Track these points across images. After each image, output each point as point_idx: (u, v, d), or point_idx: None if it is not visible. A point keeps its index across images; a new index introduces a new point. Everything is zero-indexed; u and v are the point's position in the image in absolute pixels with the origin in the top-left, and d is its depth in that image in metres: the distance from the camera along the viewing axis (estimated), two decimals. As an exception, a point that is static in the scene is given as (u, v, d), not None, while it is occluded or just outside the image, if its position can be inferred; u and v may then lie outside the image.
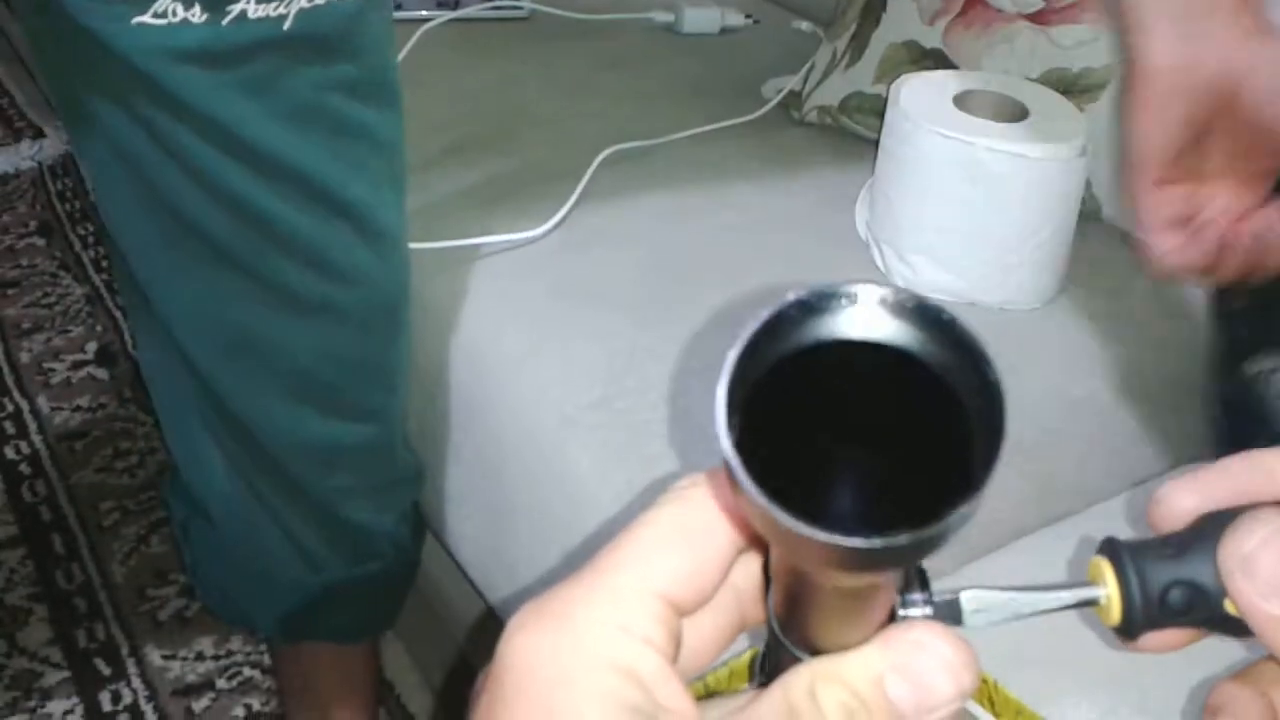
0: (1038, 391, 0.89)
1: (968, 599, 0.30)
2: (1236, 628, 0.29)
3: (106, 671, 1.30)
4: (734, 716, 0.26)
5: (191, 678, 1.29)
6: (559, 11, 1.40)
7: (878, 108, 1.12)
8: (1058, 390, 0.89)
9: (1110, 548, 0.29)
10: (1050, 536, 0.78)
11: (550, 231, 1.03)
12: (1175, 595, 0.28)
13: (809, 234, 1.04)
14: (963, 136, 0.90)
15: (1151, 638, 0.29)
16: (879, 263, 0.99)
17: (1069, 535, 0.77)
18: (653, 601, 0.26)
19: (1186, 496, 0.30)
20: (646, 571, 0.27)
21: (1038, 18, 1.02)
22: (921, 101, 0.94)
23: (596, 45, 1.40)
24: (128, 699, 1.27)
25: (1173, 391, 0.92)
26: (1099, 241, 1.04)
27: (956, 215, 0.92)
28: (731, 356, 0.23)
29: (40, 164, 2.30)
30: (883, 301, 0.23)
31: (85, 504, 1.50)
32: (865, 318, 0.23)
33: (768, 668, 0.30)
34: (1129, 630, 0.29)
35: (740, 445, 0.22)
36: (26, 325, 1.84)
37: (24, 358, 1.77)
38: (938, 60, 1.09)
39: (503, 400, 0.93)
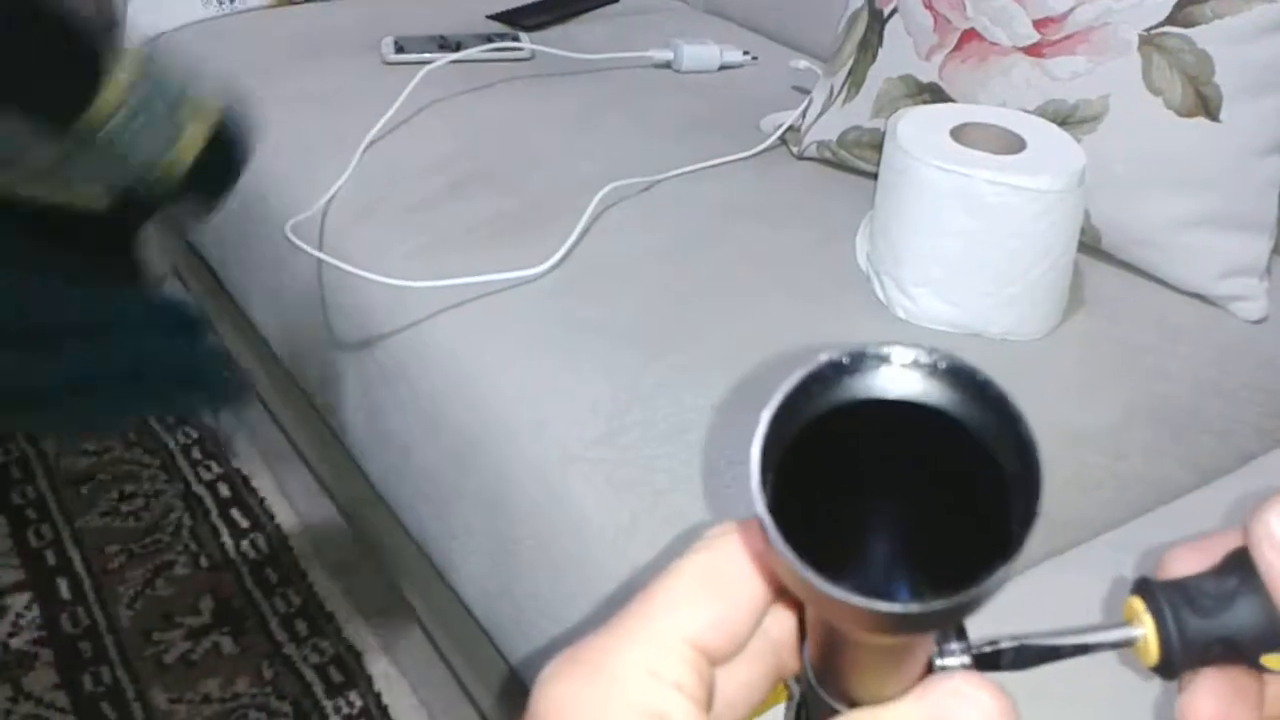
0: (1039, 422, 0.88)
1: (1006, 646, 0.29)
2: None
3: (113, 716, 1.29)
4: None
5: (197, 721, 1.28)
6: (559, 52, 1.41)
7: (876, 141, 1.13)
8: (1060, 421, 0.89)
9: (1143, 587, 0.29)
10: (1054, 569, 0.78)
11: (551, 268, 1.03)
12: (1215, 637, 0.28)
13: (810, 268, 1.05)
14: (961, 169, 0.90)
15: (1216, 706, 0.29)
16: (880, 295, 0.99)
17: (1073, 568, 0.77)
18: (684, 649, 0.26)
19: (1190, 561, 0.30)
20: (678, 619, 0.27)
21: (1033, 50, 1.02)
22: (919, 135, 0.94)
23: (596, 84, 1.41)
24: (133, 743, 1.26)
25: (1175, 421, 0.92)
26: (1099, 271, 1.05)
27: (956, 247, 0.93)
28: (765, 416, 0.23)
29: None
30: (916, 362, 0.24)
31: (91, 548, 1.50)
32: (898, 377, 0.24)
33: (800, 715, 0.30)
34: (1169, 669, 0.29)
35: (774, 506, 0.22)
36: (32, 369, 1.84)
37: (29, 402, 1.77)
38: (934, 94, 1.10)
39: (505, 437, 0.93)
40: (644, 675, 0.26)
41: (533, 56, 1.45)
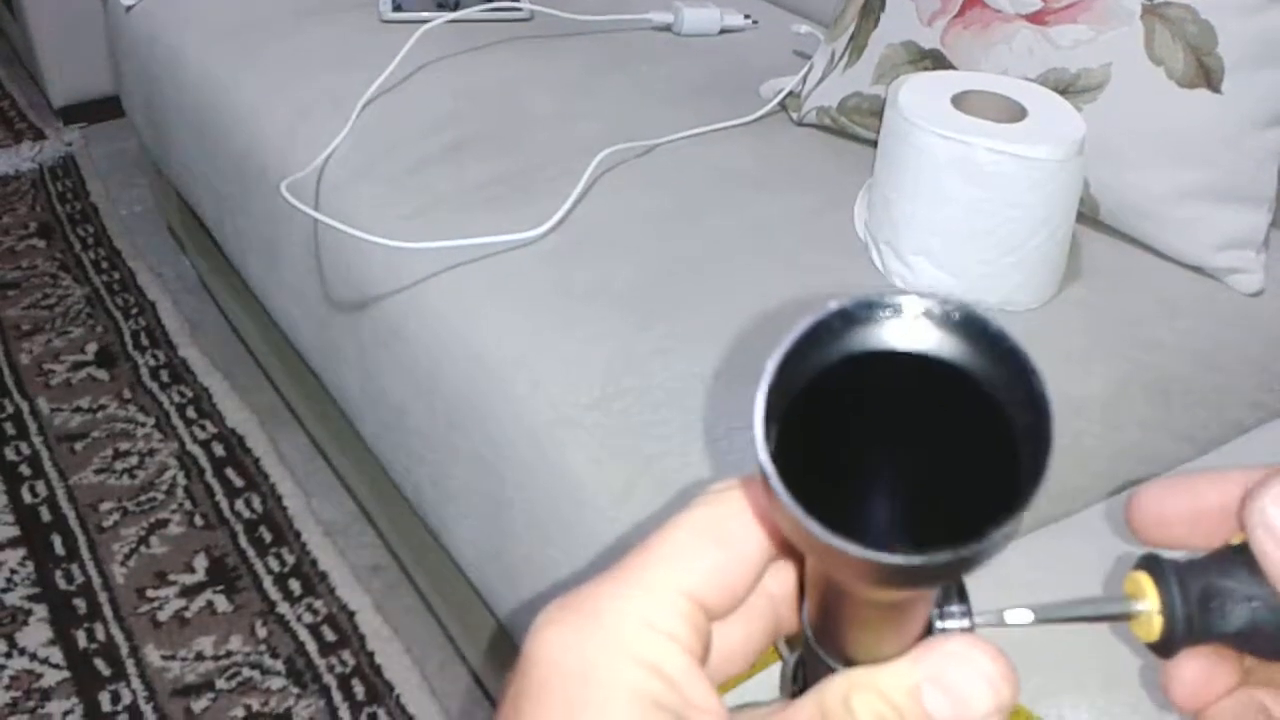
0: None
1: (1009, 616, 0.29)
2: (1274, 639, 0.28)
3: (106, 672, 1.30)
4: None
5: (191, 678, 1.29)
6: (558, 13, 1.40)
7: (876, 108, 1.12)
8: (1056, 390, 0.89)
9: (1151, 562, 0.29)
10: (1047, 537, 0.78)
11: (549, 231, 1.03)
12: (1214, 601, 0.28)
13: (808, 234, 1.04)
14: (961, 137, 0.90)
15: (1197, 675, 0.29)
16: (878, 263, 0.99)
17: (1067, 535, 0.77)
18: (681, 600, 0.26)
19: (1174, 499, 0.30)
20: (676, 570, 0.26)
21: (1036, 18, 1.02)
22: (920, 102, 0.94)
23: (596, 46, 1.40)
24: (127, 699, 1.27)
25: (1170, 392, 0.92)
26: (1097, 242, 1.05)
27: (955, 215, 0.92)
28: (771, 365, 0.23)
29: (41, 165, 2.30)
30: (928, 313, 0.23)
31: (85, 505, 1.51)
32: (909, 328, 0.23)
33: (802, 678, 0.30)
34: (1169, 646, 0.29)
35: (777, 456, 0.22)
36: (26, 326, 1.84)
37: (24, 359, 1.77)
38: (936, 61, 1.09)
39: (500, 399, 0.93)
40: (639, 625, 0.26)
41: (531, 17, 1.44)
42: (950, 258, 0.94)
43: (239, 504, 1.51)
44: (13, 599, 1.38)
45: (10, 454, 1.59)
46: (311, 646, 1.32)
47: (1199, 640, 0.29)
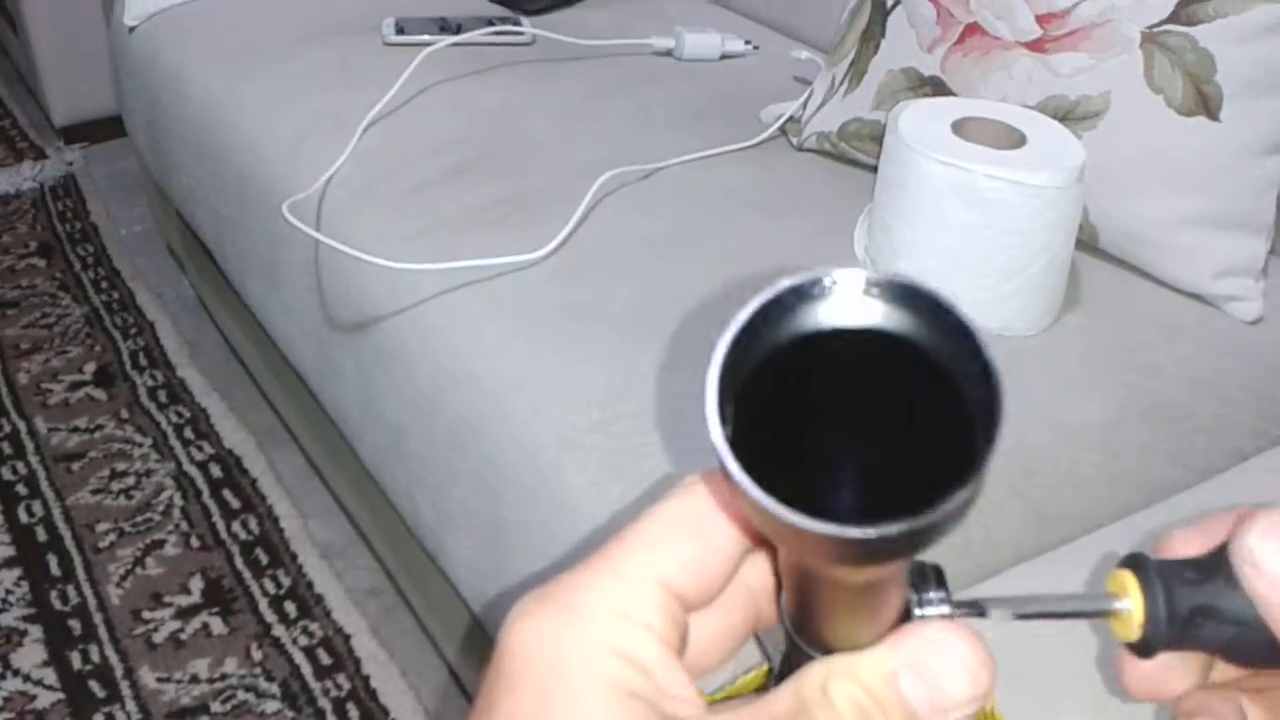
0: (1035, 417, 0.89)
1: (989, 607, 0.29)
2: (1256, 652, 0.28)
3: (101, 694, 1.29)
4: (745, 709, 0.26)
5: (186, 700, 1.28)
6: (561, 37, 1.41)
7: (876, 134, 1.13)
8: (1055, 416, 0.89)
9: (1136, 562, 0.29)
10: (1046, 564, 0.78)
11: (550, 254, 1.03)
12: (1200, 618, 0.28)
13: (808, 259, 1.05)
14: (961, 163, 0.90)
15: (1158, 668, 0.29)
16: (877, 288, 0.99)
17: (1065, 562, 0.77)
18: (656, 590, 0.26)
19: (1191, 543, 0.30)
20: (651, 561, 0.26)
21: (1035, 45, 1.02)
22: (920, 128, 0.94)
23: (597, 70, 1.41)
24: (121, 721, 1.26)
25: (1169, 419, 0.92)
26: (1096, 269, 1.05)
27: (955, 241, 0.93)
28: (721, 345, 0.23)
29: (41, 184, 2.30)
30: (875, 285, 0.23)
31: (81, 525, 1.50)
32: (858, 304, 0.23)
33: (783, 671, 0.30)
34: (1148, 648, 0.29)
35: (734, 440, 0.22)
36: (25, 345, 1.84)
37: (22, 378, 1.77)
38: (936, 87, 1.09)
39: (500, 421, 0.93)
40: (614, 615, 0.25)
41: (534, 41, 1.45)
42: (949, 283, 0.94)
43: (235, 525, 1.50)
44: (7, 619, 1.38)
45: (7, 473, 1.58)
46: (307, 669, 1.32)
47: (1178, 648, 0.29)
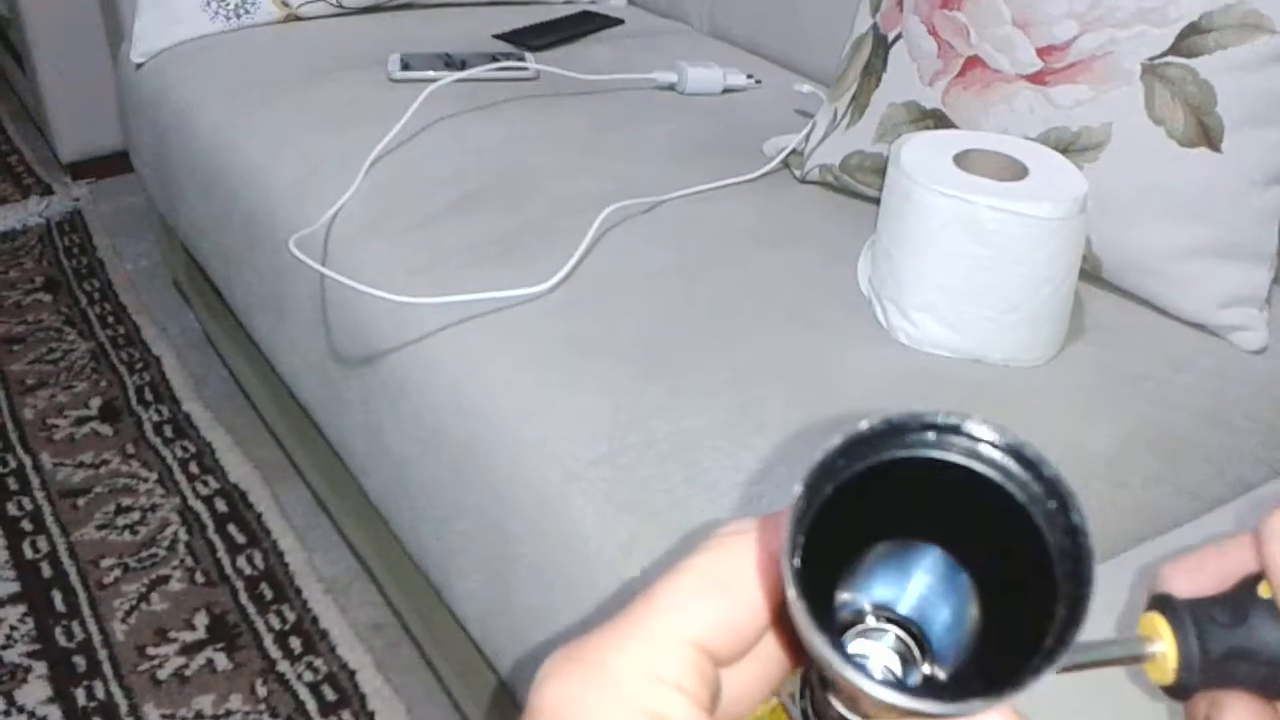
0: (1040, 448, 0.89)
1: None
2: None
3: (104, 730, 1.28)
4: None
5: (190, 736, 1.28)
6: (565, 72, 1.42)
7: (879, 166, 1.13)
8: (1060, 447, 0.89)
9: (1165, 604, 0.29)
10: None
11: (554, 287, 1.03)
12: (1234, 660, 0.28)
13: (811, 290, 1.05)
14: (963, 195, 0.90)
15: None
16: (881, 319, 0.99)
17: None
18: (688, 650, 0.26)
19: (1184, 579, 0.30)
20: (682, 619, 0.26)
21: (1036, 78, 1.03)
22: (922, 160, 0.95)
23: (601, 105, 1.42)
24: (125, 758, 1.26)
25: (1174, 449, 0.92)
26: (1100, 299, 1.05)
27: (958, 272, 0.93)
28: (798, 489, 0.23)
29: (48, 220, 2.32)
30: (995, 446, 0.24)
31: (86, 561, 1.50)
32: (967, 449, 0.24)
33: (805, 703, 0.30)
34: (1184, 690, 0.29)
35: (802, 577, 0.22)
36: (31, 381, 1.84)
37: (28, 413, 1.77)
38: (937, 120, 1.10)
39: (506, 454, 0.93)
40: (645, 676, 0.25)
41: (538, 76, 1.46)
42: (953, 314, 0.94)
43: (240, 560, 1.50)
44: (12, 656, 1.37)
45: (12, 509, 1.58)
46: (312, 705, 1.31)
47: (1213, 688, 0.29)
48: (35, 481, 1.63)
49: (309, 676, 1.34)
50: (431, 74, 1.41)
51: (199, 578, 1.47)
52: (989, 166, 0.94)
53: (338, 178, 1.23)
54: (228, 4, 1.61)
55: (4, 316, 2.00)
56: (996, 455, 0.24)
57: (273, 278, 1.29)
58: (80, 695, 1.32)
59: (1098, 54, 0.99)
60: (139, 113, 1.66)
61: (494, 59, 1.46)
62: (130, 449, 1.69)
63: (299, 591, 1.45)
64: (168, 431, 1.73)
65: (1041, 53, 1.02)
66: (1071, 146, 1.01)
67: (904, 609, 0.26)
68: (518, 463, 0.92)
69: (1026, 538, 0.23)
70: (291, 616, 1.42)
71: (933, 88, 1.10)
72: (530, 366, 0.98)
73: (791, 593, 0.22)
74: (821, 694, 0.28)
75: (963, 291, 0.94)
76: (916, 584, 0.26)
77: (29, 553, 1.51)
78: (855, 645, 0.27)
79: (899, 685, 0.21)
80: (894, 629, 0.27)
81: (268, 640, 1.39)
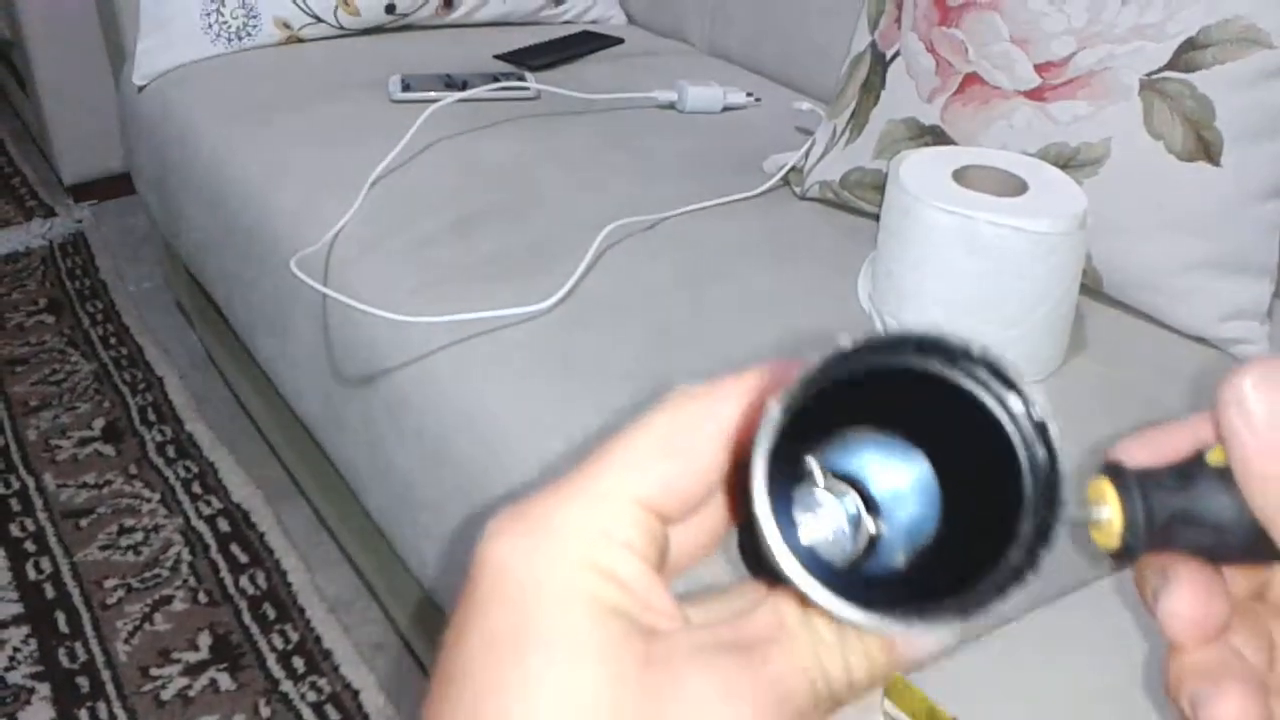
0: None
1: None
2: (1235, 552, 0.28)
3: (107, 752, 1.28)
4: (724, 628, 0.26)
5: (193, 758, 1.27)
6: (565, 92, 1.42)
7: (878, 183, 1.14)
8: (1062, 461, 0.89)
9: (1114, 470, 0.29)
10: (1062, 610, 0.78)
11: (555, 305, 1.04)
12: (1179, 524, 0.28)
13: (812, 306, 1.05)
14: (963, 210, 0.91)
15: (1179, 602, 0.29)
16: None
17: (1079, 608, 0.77)
18: (636, 509, 0.26)
19: (1137, 451, 0.29)
20: (632, 479, 0.26)
21: (1035, 94, 1.03)
22: (921, 176, 0.95)
23: (602, 124, 1.42)
24: (128, 780, 1.25)
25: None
26: (1101, 314, 1.05)
27: (958, 288, 0.93)
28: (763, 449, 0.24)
29: (51, 242, 2.32)
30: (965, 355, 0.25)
31: (89, 581, 1.50)
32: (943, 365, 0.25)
33: (744, 541, 0.30)
34: (1128, 554, 0.29)
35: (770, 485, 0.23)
36: (34, 402, 1.84)
37: (31, 434, 1.77)
38: (936, 137, 1.10)
39: (507, 473, 0.93)
40: (593, 533, 0.25)
41: (538, 96, 1.47)
42: (954, 329, 0.94)
43: (243, 580, 1.50)
44: (15, 677, 1.37)
45: (15, 530, 1.58)
46: (315, 725, 1.31)
47: (1159, 553, 0.29)
48: (38, 502, 1.63)
49: (312, 696, 1.34)
50: (432, 94, 1.41)
51: (202, 598, 1.47)
52: (988, 182, 0.95)
53: (339, 198, 1.23)
54: (229, 26, 1.62)
55: (7, 338, 2.01)
56: (977, 371, 0.24)
57: (274, 298, 1.29)
58: (84, 717, 1.32)
59: (1096, 70, 1.00)
60: (141, 135, 1.67)
61: (495, 79, 1.47)
62: (133, 469, 1.69)
63: (302, 611, 1.45)
64: (170, 452, 1.73)
65: (1040, 69, 1.03)
66: (1071, 162, 1.01)
67: (871, 491, 0.27)
68: (520, 481, 0.92)
69: (1001, 455, 0.24)
70: (295, 636, 1.42)
71: (931, 104, 1.11)
72: (531, 385, 0.98)
73: (761, 509, 0.22)
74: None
75: (963, 307, 0.94)
76: (884, 475, 0.27)
77: (32, 574, 1.51)
78: (816, 495, 0.27)
79: (845, 588, 0.22)
80: (855, 497, 0.27)
81: (271, 660, 1.39)
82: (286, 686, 1.35)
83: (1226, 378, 0.27)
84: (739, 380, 0.28)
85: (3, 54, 2.73)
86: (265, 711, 1.32)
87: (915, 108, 1.12)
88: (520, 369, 0.99)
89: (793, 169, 1.26)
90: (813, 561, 0.23)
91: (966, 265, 0.92)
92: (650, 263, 1.12)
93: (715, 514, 0.29)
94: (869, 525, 0.27)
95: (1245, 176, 0.97)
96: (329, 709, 1.33)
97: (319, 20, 1.65)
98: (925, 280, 0.95)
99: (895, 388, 0.24)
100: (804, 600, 0.23)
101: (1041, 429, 0.24)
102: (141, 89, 1.65)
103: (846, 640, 0.25)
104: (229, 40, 1.63)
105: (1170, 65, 0.97)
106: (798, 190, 1.25)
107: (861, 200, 1.18)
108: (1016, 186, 0.94)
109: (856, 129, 1.18)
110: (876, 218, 1.03)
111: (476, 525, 0.96)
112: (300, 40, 1.67)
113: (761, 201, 1.23)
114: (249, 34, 1.63)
